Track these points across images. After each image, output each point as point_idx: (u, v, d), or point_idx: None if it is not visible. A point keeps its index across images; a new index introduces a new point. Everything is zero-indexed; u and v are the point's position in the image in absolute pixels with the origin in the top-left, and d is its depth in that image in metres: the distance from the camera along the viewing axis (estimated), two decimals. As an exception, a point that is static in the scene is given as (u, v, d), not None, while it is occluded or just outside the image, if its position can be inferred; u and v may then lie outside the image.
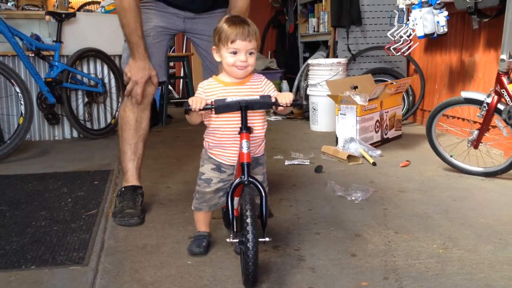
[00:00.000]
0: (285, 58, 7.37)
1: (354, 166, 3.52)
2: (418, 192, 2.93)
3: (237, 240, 1.82)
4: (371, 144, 3.93)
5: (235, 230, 1.90)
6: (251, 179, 1.88)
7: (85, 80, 4.73)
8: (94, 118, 4.87)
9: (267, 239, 1.83)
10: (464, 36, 4.35)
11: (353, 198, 2.79)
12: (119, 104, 4.77)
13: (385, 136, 4.19)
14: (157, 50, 2.60)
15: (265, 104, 1.95)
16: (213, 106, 1.90)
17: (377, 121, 4.08)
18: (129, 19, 2.43)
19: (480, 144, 3.12)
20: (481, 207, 2.66)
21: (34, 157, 4.01)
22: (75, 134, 4.77)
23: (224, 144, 2.02)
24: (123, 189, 2.66)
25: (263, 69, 6.72)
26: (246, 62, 1.94)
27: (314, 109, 4.90)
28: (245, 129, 1.92)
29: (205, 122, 2.04)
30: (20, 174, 3.42)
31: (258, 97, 1.94)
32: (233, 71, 1.96)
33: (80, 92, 4.74)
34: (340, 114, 3.96)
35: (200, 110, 1.90)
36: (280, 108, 1.95)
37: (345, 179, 3.19)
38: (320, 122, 4.87)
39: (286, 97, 1.94)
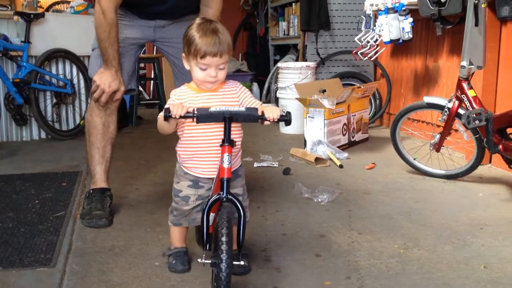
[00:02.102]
0: (256, 61, 7.44)
1: (321, 168, 3.59)
2: (382, 194, 3.01)
3: (209, 262, 1.69)
4: (339, 147, 4.01)
5: (208, 248, 1.80)
6: (230, 196, 1.75)
7: (54, 80, 4.70)
8: (62, 119, 4.84)
9: (242, 262, 1.71)
10: (428, 42, 4.47)
11: (319, 199, 2.86)
12: (88, 105, 4.76)
13: (352, 139, 4.28)
14: (127, 59, 2.62)
15: (250, 117, 1.80)
16: (195, 115, 1.77)
17: (345, 124, 4.16)
18: (110, 34, 2.42)
19: (442, 147, 3.22)
20: (441, 208, 2.75)
21: (1, 158, 3.97)
22: (43, 135, 4.73)
23: (199, 155, 1.91)
24: (91, 191, 2.67)
25: (233, 71, 6.77)
26: (216, 77, 1.85)
27: (284, 112, 4.95)
28: (228, 142, 1.78)
29: (178, 132, 1.94)
30: (-14, 176, 3.39)
31: (244, 109, 1.80)
32: (203, 85, 1.89)
33: (48, 93, 4.71)
34: (309, 117, 4.03)
35: (181, 117, 1.77)
36: (266, 122, 1.82)
37: (313, 181, 3.25)
38: (289, 124, 4.92)
39: (273, 112, 1.80)
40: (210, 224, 1.80)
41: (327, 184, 3.15)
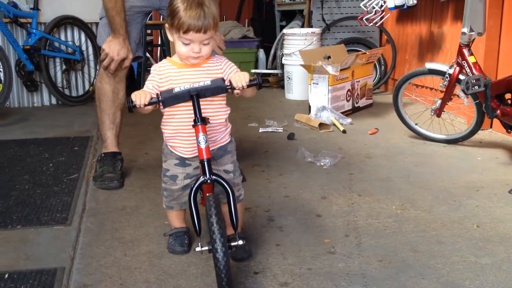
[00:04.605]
0: (262, 27, 7.42)
1: (325, 134, 3.68)
2: (383, 158, 3.10)
3: (206, 249, 1.64)
4: (342, 113, 4.08)
5: (201, 232, 1.75)
6: (214, 177, 1.68)
7: (63, 47, 4.78)
8: (72, 85, 4.94)
9: (240, 242, 1.66)
10: (433, 9, 4.50)
11: (322, 163, 2.96)
12: (97, 71, 4.84)
13: (356, 105, 4.36)
14: (134, 28, 2.69)
15: (218, 89, 1.70)
16: (159, 100, 1.68)
17: (349, 90, 4.23)
18: (116, 3, 2.51)
19: (443, 112, 3.30)
20: (440, 171, 2.85)
21: (14, 123, 4.09)
22: (53, 101, 4.84)
23: (181, 133, 1.81)
24: (103, 155, 2.78)
25: (240, 38, 6.79)
26: (199, 53, 1.72)
27: (289, 78, 5.03)
28: (200, 121, 1.68)
29: (161, 110, 1.81)
30: (1, 140, 3.51)
31: (209, 82, 1.70)
32: (186, 60, 1.77)
33: (58, 60, 4.79)
34: (313, 83, 4.10)
35: (145, 105, 1.67)
36: (236, 91, 1.72)
37: (316, 146, 3.34)
38: (294, 90, 5.01)
39: (241, 79, 1.70)
40: None
41: (330, 148, 3.24)
